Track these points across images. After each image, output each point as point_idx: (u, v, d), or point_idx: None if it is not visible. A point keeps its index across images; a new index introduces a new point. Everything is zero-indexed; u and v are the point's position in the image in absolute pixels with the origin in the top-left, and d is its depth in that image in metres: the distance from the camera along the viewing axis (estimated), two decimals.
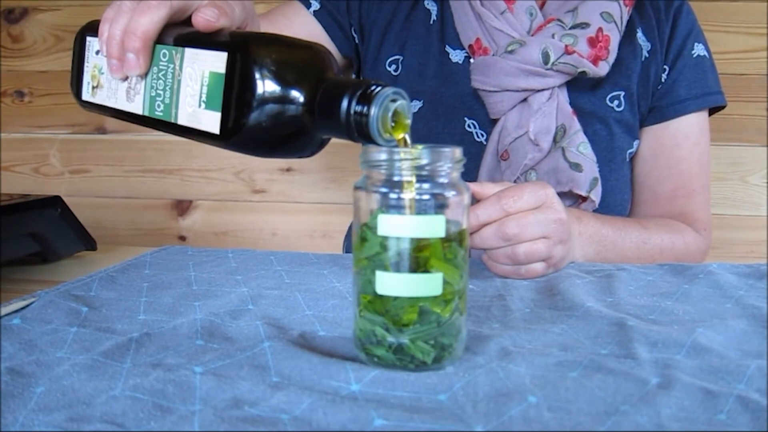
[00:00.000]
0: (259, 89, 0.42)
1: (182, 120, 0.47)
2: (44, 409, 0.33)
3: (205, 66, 0.44)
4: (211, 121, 0.44)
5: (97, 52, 0.52)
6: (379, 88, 0.38)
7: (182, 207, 1.36)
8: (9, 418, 0.32)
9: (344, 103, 0.39)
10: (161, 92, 0.47)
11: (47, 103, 1.37)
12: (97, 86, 0.53)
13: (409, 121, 0.40)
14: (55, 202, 0.77)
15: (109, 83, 0.52)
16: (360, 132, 0.39)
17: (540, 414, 0.33)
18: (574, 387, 0.36)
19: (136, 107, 0.50)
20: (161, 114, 0.48)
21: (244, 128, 0.43)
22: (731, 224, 1.24)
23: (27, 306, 0.49)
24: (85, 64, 0.55)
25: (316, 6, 0.88)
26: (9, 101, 1.38)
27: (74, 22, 1.34)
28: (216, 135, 0.44)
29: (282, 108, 0.42)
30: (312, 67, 0.43)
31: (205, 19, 0.45)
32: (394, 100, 0.39)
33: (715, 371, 0.38)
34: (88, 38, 0.54)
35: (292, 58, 0.43)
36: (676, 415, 0.33)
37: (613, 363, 0.39)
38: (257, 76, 0.42)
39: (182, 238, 1.37)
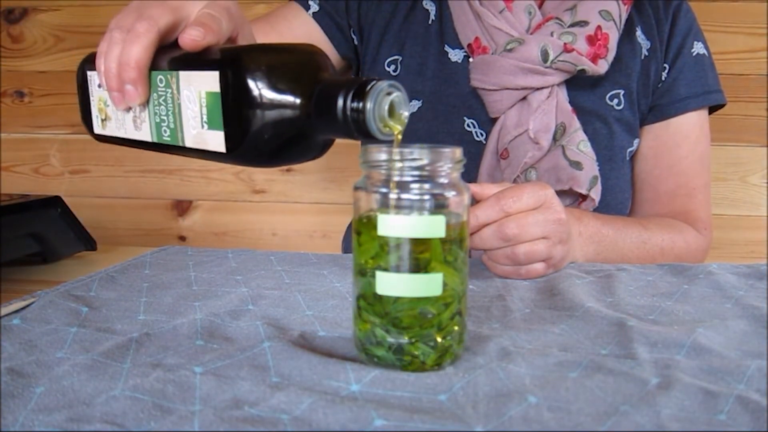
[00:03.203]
0: (256, 102, 0.42)
1: (189, 142, 0.47)
2: (44, 409, 0.33)
3: (200, 87, 0.45)
4: (216, 141, 0.45)
5: (99, 85, 0.53)
6: (373, 83, 0.38)
7: (182, 207, 1.36)
8: (9, 418, 0.32)
9: (340, 102, 0.39)
10: (165, 117, 0.48)
11: (47, 103, 1.37)
12: (105, 119, 0.53)
13: (406, 113, 0.40)
14: (55, 202, 0.77)
15: (116, 114, 0.52)
16: (358, 128, 0.39)
17: (540, 414, 0.33)
18: (574, 387, 0.36)
19: (145, 135, 0.50)
20: (169, 139, 0.48)
21: (249, 143, 0.43)
22: (731, 224, 1.24)
23: (27, 306, 0.49)
24: (91, 98, 0.55)
25: (315, 8, 0.88)
26: (9, 101, 1.38)
27: (74, 22, 1.34)
28: (224, 154, 0.45)
29: (281, 116, 0.42)
30: (304, 70, 0.43)
31: (190, 39, 0.46)
32: (389, 93, 0.39)
33: (715, 371, 0.38)
34: (88, 72, 0.54)
35: (283, 66, 0.43)
36: (676, 415, 0.33)
37: (613, 363, 0.39)
38: (251, 89, 0.42)
39: (182, 238, 1.37)
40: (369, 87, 0.38)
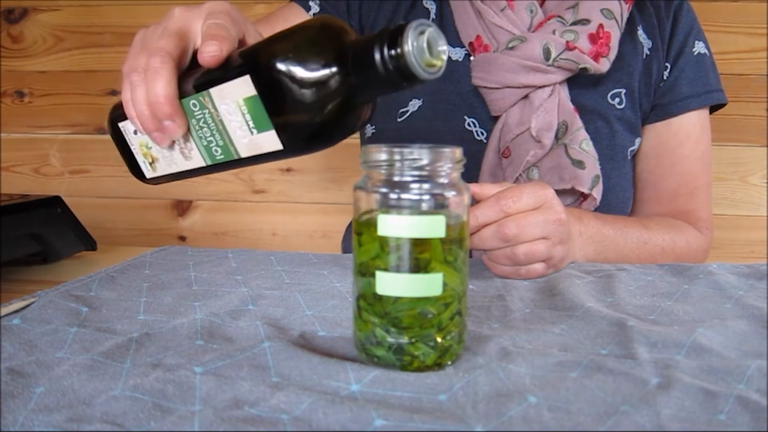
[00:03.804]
0: (296, 88, 0.42)
1: (244, 153, 0.47)
2: (44, 409, 0.33)
3: (236, 96, 0.44)
4: (270, 141, 0.45)
5: (135, 132, 0.53)
6: (404, 27, 0.38)
7: (182, 207, 1.36)
8: (9, 418, 0.32)
9: (377, 55, 0.39)
10: (211, 138, 0.48)
11: (47, 103, 1.37)
12: (153, 161, 0.53)
13: (444, 47, 0.40)
14: (55, 202, 0.77)
15: (162, 153, 0.52)
16: (402, 75, 0.39)
17: (540, 414, 0.33)
18: (574, 387, 0.36)
19: (197, 162, 0.50)
20: (222, 157, 0.48)
21: (302, 130, 0.43)
22: (731, 224, 1.24)
23: (27, 306, 0.49)
24: (131, 147, 0.54)
25: (315, 8, 0.88)
26: (9, 101, 1.38)
27: (74, 22, 1.34)
28: (281, 150, 0.45)
29: (325, 92, 0.42)
30: (329, 40, 0.43)
31: (210, 56, 0.45)
32: (422, 32, 0.39)
33: (715, 371, 0.38)
34: (120, 124, 0.54)
35: (307, 43, 0.43)
36: (676, 415, 0.33)
37: (613, 363, 0.39)
38: (287, 78, 0.42)
39: (182, 238, 1.37)
40: (402, 31, 0.38)
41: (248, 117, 0.45)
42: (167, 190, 1.35)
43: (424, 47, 0.39)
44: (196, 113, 0.47)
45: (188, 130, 0.48)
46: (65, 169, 1.38)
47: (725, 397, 0.34)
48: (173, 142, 0.50)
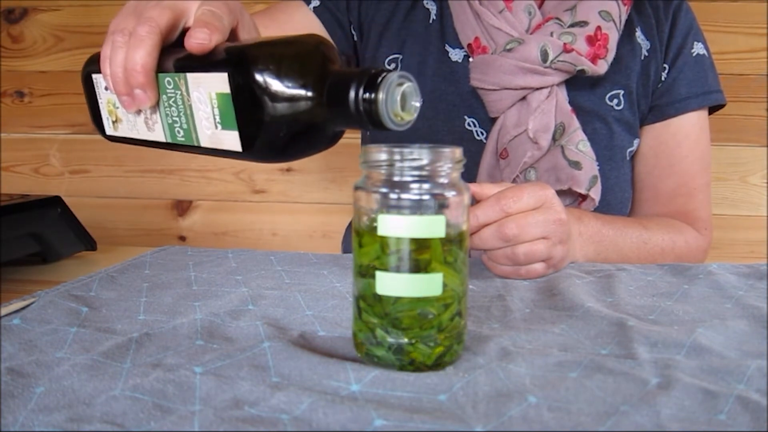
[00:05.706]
0: (268, 101, 0.42)
1: (204, 142, 0.47)
2: (44, 409, 0.33)
3: (210, 88, 0.45)
4: (231, 140, 0.45)
5: (106, 88, 0.53)
6: (384, 74, 0.39)
7: (182, 207, 1.36)
8: (9, 418, 0.32)
9: (352, 93, 0.40)
10: (177, 119, 0.48)
11: (47, 103, 1.37)
12: (116, 120, 0.54)
13: (417, 104, 0.41)
14: (55, 202, 0.77)
15: (127, 116, 0.52)
16: (370, 119, 0.39)
17: (540, 414, 0.33)
18: (574, 387, 0.36)
19: (158, 135, 0.50)
20: (183, 139, 0.48)
21: (264, 140, 0.43)
22: (731, 224, 1.24)
23: (27, 306, 0.49)
24: (99, 101, 0.55)
25: (315, 2, 0.88)
26: (9, 101, 1.38)
27: (74, 22, 1.34)
28: (240, 152, 0.45)
29: (294, 111, 0.42)
30: (313, 63, 0.43)
31: (198, 43, 0.45)
32: (400, 84, 0.39)
33: (715, 371, 0.38)
34: (94, 76, 0.54)
35: (291, 61, 0.43)
36: (676, 415, 0.33)
37: (613, 363, 0.39)
38: (262, 88, 0.42)
39: (182, 238, 1.37)
40: (380, 78, 0.39)
41: (216, 111, 0.45)
42: (167, 190, 1.35)
43: (397, 99, 0.40)
44: (168, 91, 0.47)
45: (157, 103, 0.48)
46: (65, 169, 1.38)
47: (725, 397, 0.34)
48: (140, 110, 0.50)
